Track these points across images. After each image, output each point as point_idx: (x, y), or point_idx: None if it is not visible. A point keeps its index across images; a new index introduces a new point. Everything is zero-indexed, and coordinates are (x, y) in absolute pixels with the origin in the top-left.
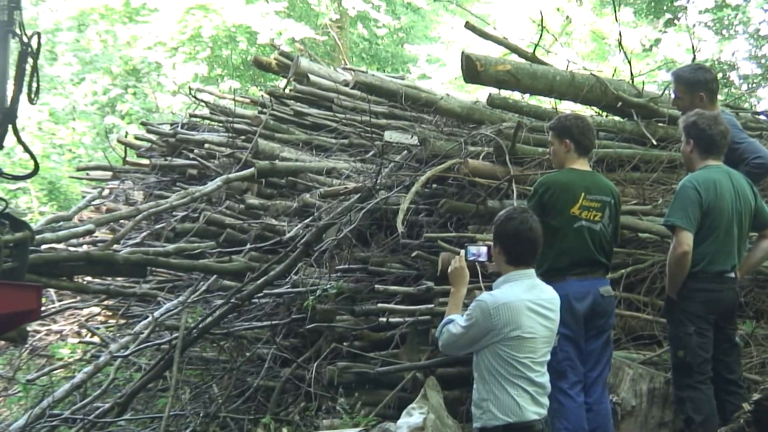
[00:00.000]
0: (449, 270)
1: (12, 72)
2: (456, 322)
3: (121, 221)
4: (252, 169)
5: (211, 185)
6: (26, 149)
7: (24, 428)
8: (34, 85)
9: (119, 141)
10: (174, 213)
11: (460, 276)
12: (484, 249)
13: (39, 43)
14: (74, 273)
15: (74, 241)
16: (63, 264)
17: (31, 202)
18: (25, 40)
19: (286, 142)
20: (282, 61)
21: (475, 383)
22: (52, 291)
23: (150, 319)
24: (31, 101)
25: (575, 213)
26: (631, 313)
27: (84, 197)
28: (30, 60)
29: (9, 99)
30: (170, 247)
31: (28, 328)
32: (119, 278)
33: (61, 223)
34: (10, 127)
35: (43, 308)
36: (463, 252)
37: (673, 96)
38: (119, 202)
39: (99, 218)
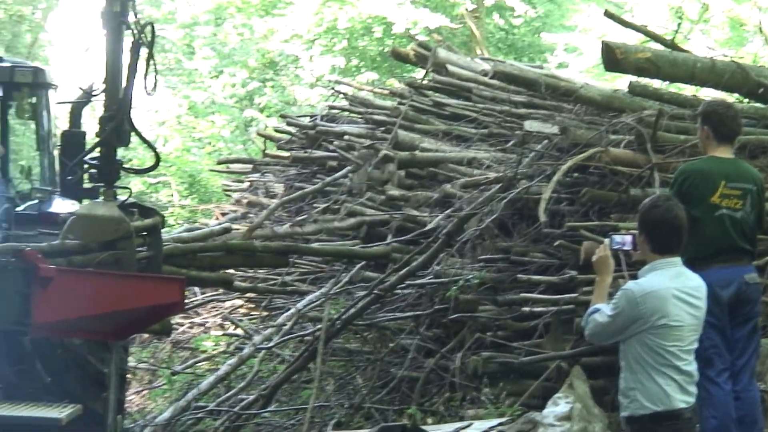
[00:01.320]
0: (594, 259)
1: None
2: (602, 311)
3: (261, 213)
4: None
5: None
6: (144, 140)
7: (170, 420)
8: (151, 75)
9: (259, 134)
10: (315, 205)
11: (605, 265)
12: (628, 237)
13: (153, 34)
14: (214, 264)
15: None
16: (201, 255)
17: (171, 196)
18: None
19: (426, 132)
20: (420, 52)
21: (622, 372)
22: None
23: (293, 310)
24: (147, 93)
25: (715, 201)
26: None
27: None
28: (145, 50)
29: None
30: (309, 228)
31: (172, 321)
32: (261, 269)
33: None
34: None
35: (186, 301)
36: (607, 241)
37: None
38: (259, 194)
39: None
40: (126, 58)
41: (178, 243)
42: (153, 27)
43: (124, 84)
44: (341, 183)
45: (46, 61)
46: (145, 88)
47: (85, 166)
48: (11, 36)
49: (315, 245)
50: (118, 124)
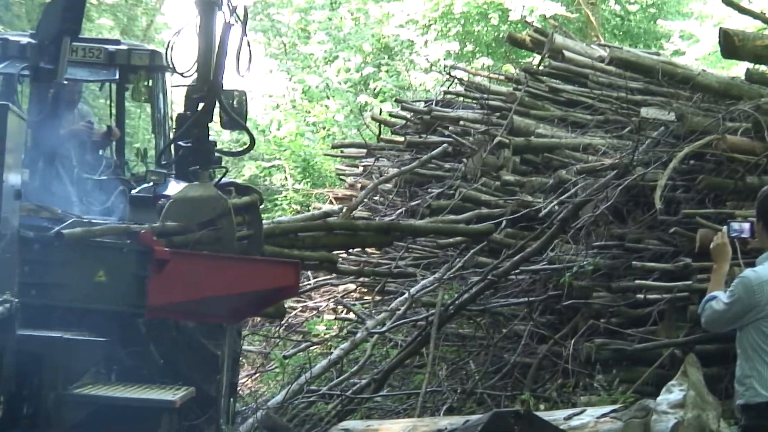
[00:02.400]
0: (711, 246)
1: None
2: (719, 298)
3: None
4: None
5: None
6: (238, 122)
7: (282, 404)
8: (244, 57)
9: (373, 118)
10: (429, 190)
11: (722, 252)
12: (746, 225)
13: (246, 15)
14: (315, 243)
15: None
16: (303, 235)
17: (285, 180)
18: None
19: (542, 118)
20: (536, 38)
21: (738, 360)
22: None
23: (406, 295)
24: (240, 74)
25: None
26: None
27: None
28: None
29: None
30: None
31: (285, 305)
32: (369, 250)
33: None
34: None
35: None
36: (725, 228)
37: None
38: (374, 179)
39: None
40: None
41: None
42: (245, 9)
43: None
44: (456, 168)
45: (162, 45)
46: (238, 70)
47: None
48: (127, 19)
49: (416, 222)
50: (208, 105)
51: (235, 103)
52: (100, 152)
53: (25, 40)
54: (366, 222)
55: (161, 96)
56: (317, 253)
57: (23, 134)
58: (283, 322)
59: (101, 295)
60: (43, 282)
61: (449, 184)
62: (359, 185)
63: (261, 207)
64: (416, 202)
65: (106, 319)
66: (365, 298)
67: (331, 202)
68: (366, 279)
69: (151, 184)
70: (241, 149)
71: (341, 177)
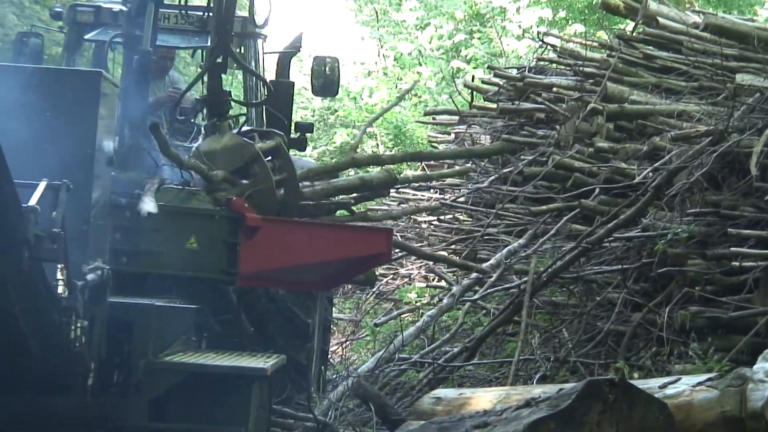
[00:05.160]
0: None
1: None
2: None
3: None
4: None
5: None
6: (252, 73)
7: (373, 371)
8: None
9: (465, 85)
10: (522, 157)
11: None
12: None
13: None
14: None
15: None
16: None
17: (377, 147)
18: None
19: (635, 85)
20: (630, 4)
21: None
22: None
23: (497, 259)
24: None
25: None
26: None
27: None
28: None
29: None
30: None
31: (376, 272)
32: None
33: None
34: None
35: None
36: None
37: None
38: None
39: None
40: None
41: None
42: None
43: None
44: (549, 135)
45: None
46: (253, 19)
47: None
48: None
49: (438, 150)
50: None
51: (327, 69)
52: (192, 120)
53: (117, 7)
54: (390, 155)
55: (253, 63)
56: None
57: (115, 101)
58: (374, 290)
59: (193, 263)
60: (135, 249)
61: (542, 151)
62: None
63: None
64: (508, 168)
65: (197, 286)
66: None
67: (422, 170)
68: (457, 247)
69: None
70: (259, 101)
71: (433, 144)
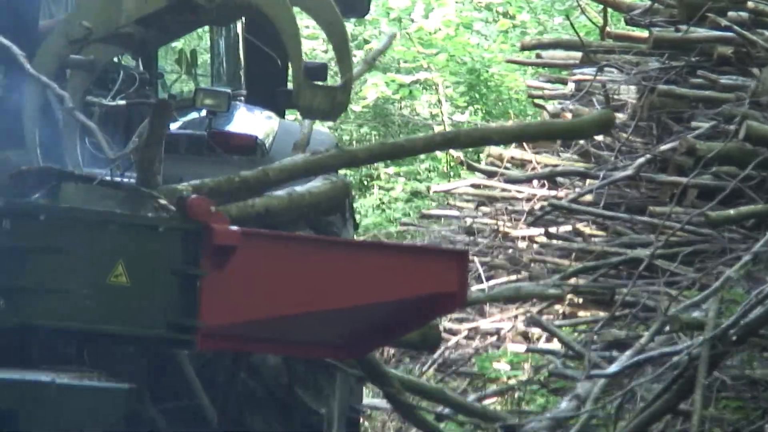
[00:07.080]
0: None
1: None
2: None
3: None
4: None
5: None
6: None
7: None
8: None
9: None
10: (693, 123)
11: None
12: None
13: None
14: None
15: None
16: None
17: (438, 105)
18: None
19: None
20: None
21: None
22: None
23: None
24: None
25: None
26: None
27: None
28: None
29: None
30: None
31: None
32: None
33: None
34: None
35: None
36: None
37: None
38: (596, 105)
39: None
40: None
41: None
42: None
43: None
44: (741, 86)
45: None
46: None
47: None
48: None
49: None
50: None
51: None
52: None
53: None
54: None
55: None
56: None
57: None
58: (435, 357)
59: (119, 309)
60: (16, 286)
61: (727, 113)
62: (569, 116)
63: None
64: (669, 144)
65: (127, 350)
66: (581, 313)
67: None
68: (579, 278)
69: (204, 113)
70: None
71: (536, 102)
